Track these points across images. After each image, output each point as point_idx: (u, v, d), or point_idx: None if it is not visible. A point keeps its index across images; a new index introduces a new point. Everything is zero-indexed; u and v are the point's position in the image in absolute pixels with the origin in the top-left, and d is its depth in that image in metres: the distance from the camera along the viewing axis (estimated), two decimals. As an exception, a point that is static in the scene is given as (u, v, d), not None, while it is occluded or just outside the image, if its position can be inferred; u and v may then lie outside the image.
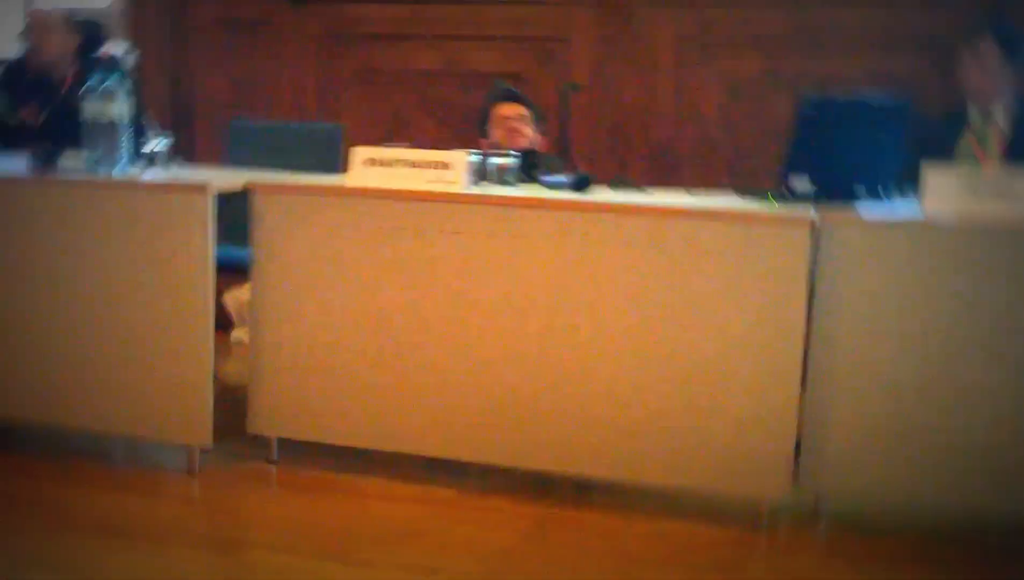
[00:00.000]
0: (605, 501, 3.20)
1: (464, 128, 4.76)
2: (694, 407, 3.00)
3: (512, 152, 3.41)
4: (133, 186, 3.27)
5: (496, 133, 4.06)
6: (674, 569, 2.80)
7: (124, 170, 3.29)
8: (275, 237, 3.27)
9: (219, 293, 3.66)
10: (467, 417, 3.17)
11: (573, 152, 4.80)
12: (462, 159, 3.19)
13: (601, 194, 3.30)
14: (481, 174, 3.30)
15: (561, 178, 3.41)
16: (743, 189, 3.42)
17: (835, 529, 3.05)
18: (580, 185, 3.33)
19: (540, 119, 4.22)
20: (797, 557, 2.91)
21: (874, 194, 3.15)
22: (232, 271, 3.57)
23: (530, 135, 4.09)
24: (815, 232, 2.93)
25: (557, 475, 3.24)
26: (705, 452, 3.00)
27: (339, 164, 4.02)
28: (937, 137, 3.94)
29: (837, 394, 2.95)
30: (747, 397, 2.96)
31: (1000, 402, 2.87)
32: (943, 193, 2.95)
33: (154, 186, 3.26)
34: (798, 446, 2.99)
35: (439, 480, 3.27)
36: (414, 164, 3.20)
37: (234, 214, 3.33)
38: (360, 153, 3.25)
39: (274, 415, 3.34)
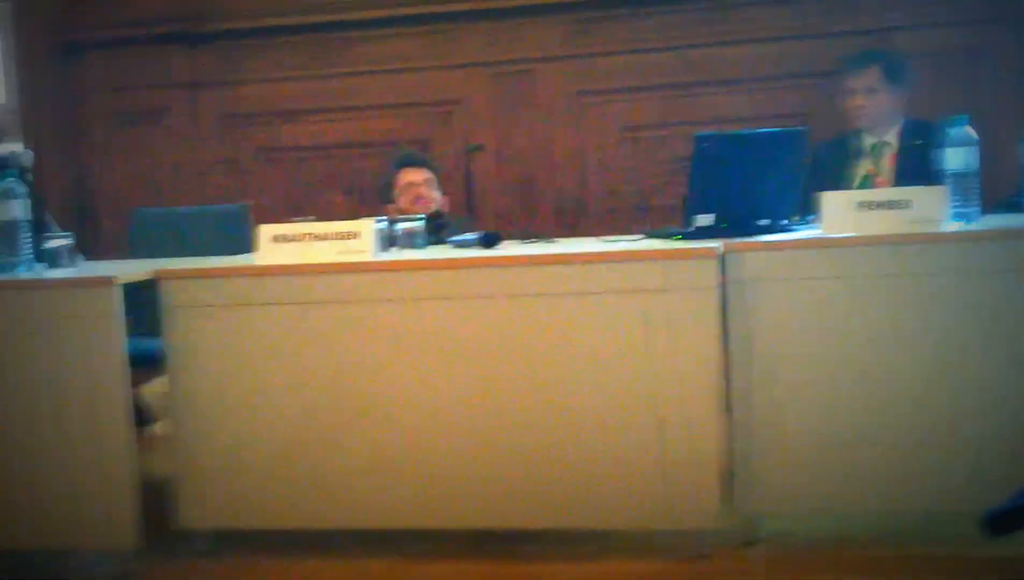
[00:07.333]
0: (544, 551, 3.18)
1: (372, 197, 4.77)
2: (622, 447, 3.01)
3: (418, 216, 3.42)
4: (37, 285, 3.20)
5: (402, 200, 4.07)
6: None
7: (27, 270, 3.23)
8: (187, 324, 3.22)
9: (135, 388, 3.57)
10: (397, 485, 3.13)
11: (481, 211, 4.85)
12: (369, 227, 3.18)
13: (511, 249, 3.32)
14: (390, 240, 3.30)
15: (469, 237, 3.43)
16: (650, 232, 3.48)
17: (776, 549, 3.07)
18: (488, 242, 3.35)
19: (442, 181, 4.25)
20: (741, 578, 2.93)
21: (777, 223, 3.23)
22: (147, 364, 3.51)
23: (436, 198, 4.10)
24: (722, 261, 2.99)
25: (492, 532, 3.22)
26: (636, 490, 3.01)
27: (248, 244, 3.99)
28: (831, 164, 4.05)
29: (761, 416, 3.00)
30: (671, 430, 2.97)
31: (918, 404, 2.94)
32: (840, 215, 3.03)
33: (59, 283, 3.20)
34: (732, 472, 3.03)
35: (376, 553, 3.22)
36: (322, 236, 3.18)
37: (143, 306, 3.27)
38: (267, 231, 3.23)
39: (203, 507, 3.26)
